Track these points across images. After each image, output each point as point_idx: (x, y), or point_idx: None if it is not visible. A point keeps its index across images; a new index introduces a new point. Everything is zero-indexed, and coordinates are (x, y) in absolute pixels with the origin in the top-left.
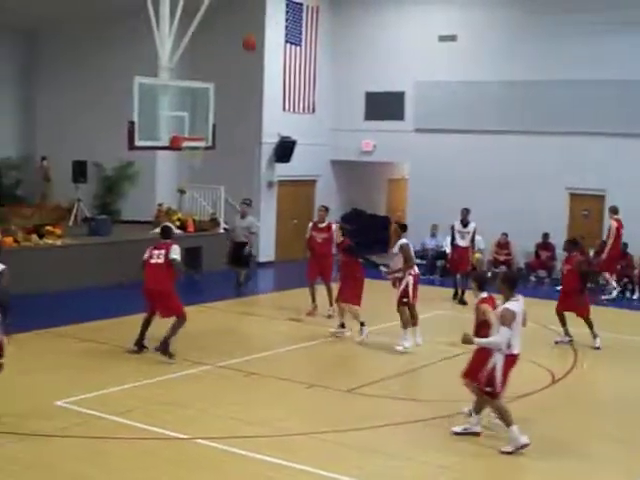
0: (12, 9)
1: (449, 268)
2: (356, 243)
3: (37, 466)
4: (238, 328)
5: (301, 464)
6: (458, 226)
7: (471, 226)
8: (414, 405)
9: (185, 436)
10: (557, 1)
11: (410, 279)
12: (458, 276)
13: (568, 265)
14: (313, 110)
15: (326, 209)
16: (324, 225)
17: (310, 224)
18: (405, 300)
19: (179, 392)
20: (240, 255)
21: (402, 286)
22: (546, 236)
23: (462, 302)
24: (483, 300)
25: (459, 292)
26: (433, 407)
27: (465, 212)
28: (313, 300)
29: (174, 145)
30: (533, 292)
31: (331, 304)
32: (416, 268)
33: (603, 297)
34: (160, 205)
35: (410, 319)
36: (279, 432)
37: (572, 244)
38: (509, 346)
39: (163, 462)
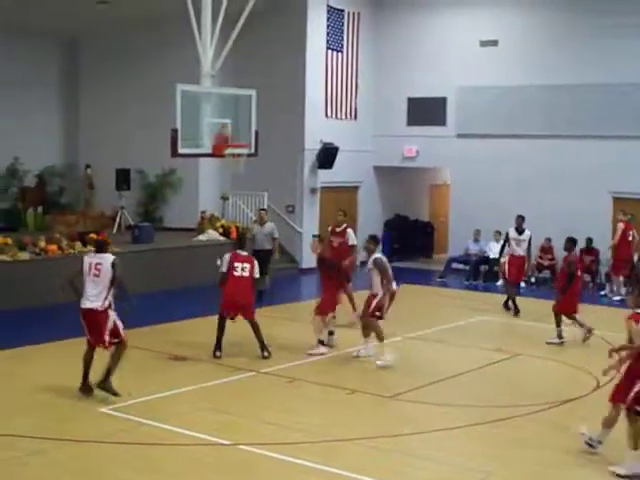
0: (55, 16)
1: (507, 277)
2: (399, 249)
3: (83, 472)
4: (281, 334)
5: (344, 470)
6: (513, 234)
7: (526, 234)
8: (458, 411)
9: (228, 442)
10: (599, 3)
11: (386, 295)
12: (500, 282)
13: (564, 263)
14: (355, 116)
15: (344, 214)
16: (340, 229)
17: (329, 228)
18: (378, 314)
19: (223, 398)
20: (263, 262)
21: (376, 300)
22: (590, 241)
23: (517, 310)
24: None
25: (512, 300)
26: (477, 413)
27: (520, 219)
28: None
29: (217, 152)
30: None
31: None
32: (394, 284)
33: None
34: (203, 212)
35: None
36: (322, 438)
37: (571, 243)
38: None
39: (207, 468)
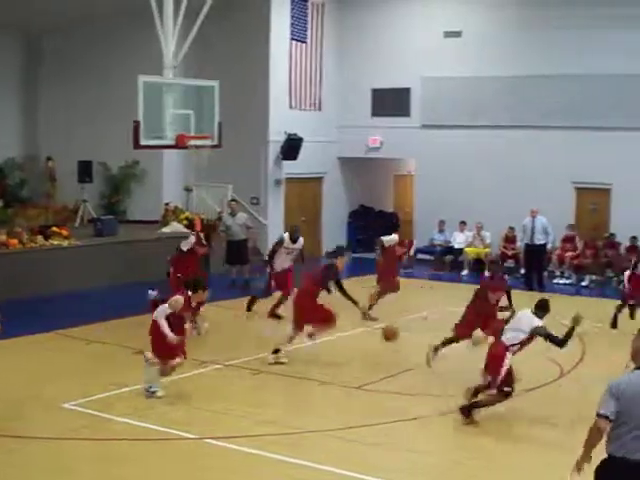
0: (15, 10)
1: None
2: (364, 240)
3: (52, 470)
4: (247, 326)
5: (313, 462)
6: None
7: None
8: (425, 400)
9: (194, 436)
10: None
11: None
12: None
13: None
14: (319, 107)
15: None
16: None
17: None
18: None
19: (188, 391)
20: (241, 252)
21: None
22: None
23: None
24: None
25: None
26: (444, 402)
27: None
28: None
29: (180, 144)
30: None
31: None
32: None
33: None
34: (167, 204)
35: None
36: (290, 430)
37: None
38: None
39: (173, 462)
